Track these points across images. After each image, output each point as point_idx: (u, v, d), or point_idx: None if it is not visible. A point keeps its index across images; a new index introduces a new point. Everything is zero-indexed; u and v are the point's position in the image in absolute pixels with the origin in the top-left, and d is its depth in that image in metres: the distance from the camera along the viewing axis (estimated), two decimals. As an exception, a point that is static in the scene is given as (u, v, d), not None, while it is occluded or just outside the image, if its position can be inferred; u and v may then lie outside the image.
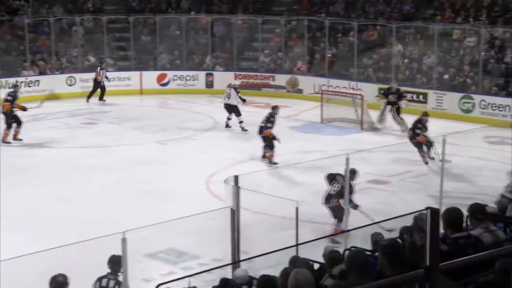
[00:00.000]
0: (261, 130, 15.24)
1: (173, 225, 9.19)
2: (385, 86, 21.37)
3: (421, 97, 20.63)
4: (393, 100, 18.08)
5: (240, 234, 8.11)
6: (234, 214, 7.92)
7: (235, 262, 7.74)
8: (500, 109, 19.03)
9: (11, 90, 17.84)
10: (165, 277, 8.29)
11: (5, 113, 16.93)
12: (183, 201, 12.00)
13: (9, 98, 17.11)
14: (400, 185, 13.53)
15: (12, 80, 21.20)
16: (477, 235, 5.50)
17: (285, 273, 4.95)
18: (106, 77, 22.61)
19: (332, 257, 5.95)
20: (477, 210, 5.83)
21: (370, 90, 21.01)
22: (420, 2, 23.86)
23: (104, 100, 22.33)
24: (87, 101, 22.22)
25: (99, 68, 22.80)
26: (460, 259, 2.58)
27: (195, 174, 14.00)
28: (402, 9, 23.78)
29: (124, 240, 6.38)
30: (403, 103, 18.28)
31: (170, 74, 24.35)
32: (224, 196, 8.85)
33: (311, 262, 6.77)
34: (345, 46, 23.56)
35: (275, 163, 14.76)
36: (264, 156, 15.11)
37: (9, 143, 16.74)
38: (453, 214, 5.35)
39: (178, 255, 10.10)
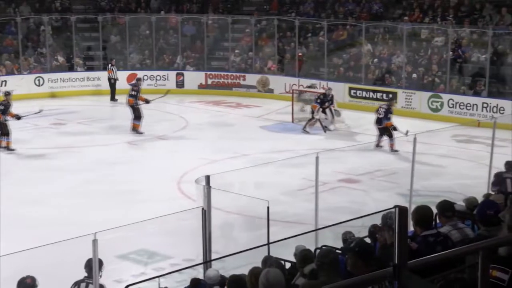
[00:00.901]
0: (381, 121, 16.20)
1: (144, 225, 9.18)
2: (356, 86, 21.61)
3: (390, 96, 20.79)
4: (327, 106, 18.24)
5: (212, 234, 8.10)
6: (206, 214, 7.91)
7: (206, 262, 7.73)
8: (468, 108, 19.29)
9: (133, 83, 18.66)
10: (137, 278, 8.25)
11: (131, 107, 17.65)
12: (154, 202, 11.95)
13: (133, 93, 17.80)
14: (370, 184, 13.64)
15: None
16: (446, 233, 5.57)
17: (253, 272, 4.96)
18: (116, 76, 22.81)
19: (303, 255, 5.97)
20: (446, 207, 5.91)
21: (340, 90, 21.16)
22: (388, 2, 24.07)
23: (116, 100, 22.29)
24: (116, 100, 22.30)
25: (109, 65, 22.86)
26: (429, 256, 2.62)
27: (166, 174, 13.95)
28: (371, 9, 23.97)
29: (94, 242, 6.34)
30: (334, 108, 18.50)
31: (140, 74, 24.18)
32: (196, 196, 8.83)
33: (283, 262, 6.79)
34: (315, 46, 23.67)
35: (396, 151, 15.60)
36: (378, 145, 16.12)
37: (142, 133, 17.61)
38: (423, 212, 5.42)
39: (150, 256, 10.06)
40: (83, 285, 7.28)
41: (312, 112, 18.23)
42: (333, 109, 18.39)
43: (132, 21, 25.18)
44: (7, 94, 16.77)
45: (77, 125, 19.10)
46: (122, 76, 23.98)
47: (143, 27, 25.61)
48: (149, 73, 24.22)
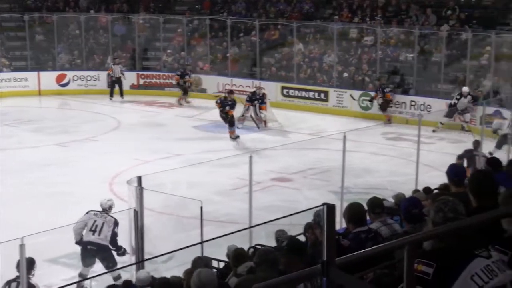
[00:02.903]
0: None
1: (74, 228, 9.00)
2: (288, 85, 21.80)
3: (322, 95, 21.09)
4: (256, 104, 18.53)
5: (144, 235, 8.03)
6: (137, 215, 7.84)
7: (138, 263, 7.66)
8: (397, 106, 19.73)
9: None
10: (67, 282, 8.09)
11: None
12: (86, 204, 11.69)
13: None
14: (303, 182, 13.78)
15: None
16: (376, 229, 5.69)
17: (188, 272, 4.95)
18: (122, 73, 22.49)
19: (238, 254, 5.98)
20: (375, 204, 6.03)
21: (273, 89, 21.30)
22: (319, 2, 24.37)
23: (123, 98, 22.28)
24: (122, 98, 22.27)
25: (111, 63, 22.60)
26: (356, 252, 2.67)
27: (98, 176, 13.74)
28: (302, 8, 24.21)
29: (22, 246, 6.19)
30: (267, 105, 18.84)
31: (70, 74, 23.73)
32: (128, 197, 8.74)
33: (217, 262, 6.79)
34: (248, 46, 23.75)
35: None
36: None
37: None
38: (355, 209, 5.51)
39: (81, 259, 9.86)
40: (14, 284, 7.36)
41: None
42: (261, 111, 18.57)
43: (61, 21, 24.64)
44: (230, 92, 17.93)
45: (4, 127, 18.53)
46: (51, 76, 23.48)
47: (72, 27, 25.09)
48: (79, 73, 23.77)
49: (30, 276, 7.10)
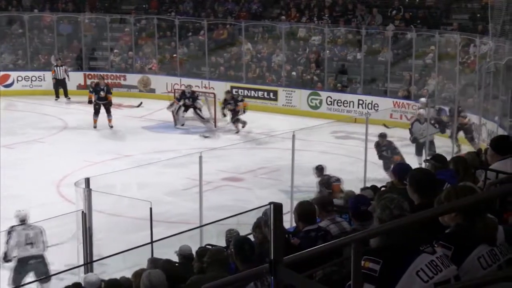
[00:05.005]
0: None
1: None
2: (237, 84, 21.82)
3: (271, 95, 21.18)
4: (189, 103, 18.54)
5: (94, 237, 7.94)
6: (86, 218, 7.75)
7: (86, 264, 7.57)
8: (345, 105, 19.97)
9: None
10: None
11: None
12: (32, 207, 11.45)
13: None
14: (254, 182, 13.82)
15: None
16: (325, 227, 5.75)
17: (138, 273, 4.91)
18: (67, 74, 22.13)
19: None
20: (327, 202, 6.10)
21: (222, 89, 21.26)
22: (267, 2, 24.46)
23: (69, 98, 21.82)
24: (68, 98, 21.86)
25: (54, 65, 22.18)
26: (304, 251, 2.70)
27: (45, 178, 13.50)
28: (250, 8, 24.27)
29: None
30: (200, 103, 18.73)
31: (14, 74, 23.23)
32: (76, 200, 8.62)
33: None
34: (196, 45, 23.68)
35: None
36: None
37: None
38: (305, 208, 5.55)
39: (28, 264, 9.67)
40: None
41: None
42: (198, 111, 18.54)
43: (3, 19, 24.11)
44: None
45: None
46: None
47: (16, 26, 24.56)
48: (23, 73, 23.29)
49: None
